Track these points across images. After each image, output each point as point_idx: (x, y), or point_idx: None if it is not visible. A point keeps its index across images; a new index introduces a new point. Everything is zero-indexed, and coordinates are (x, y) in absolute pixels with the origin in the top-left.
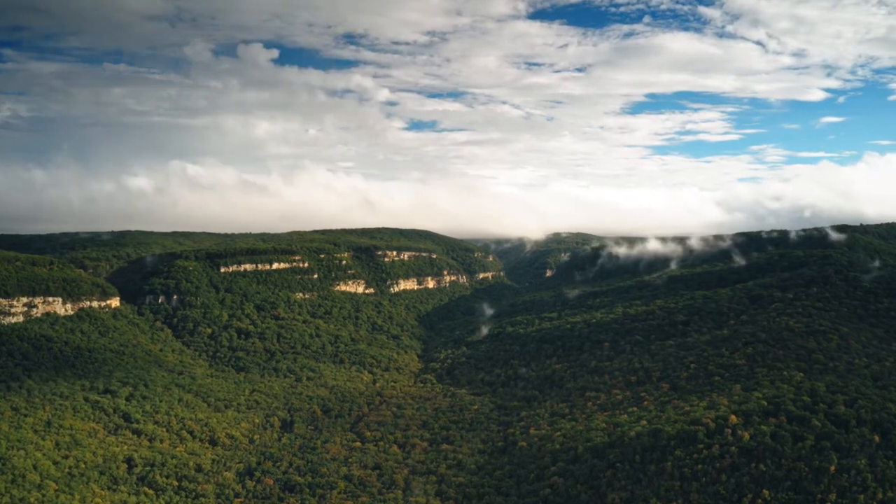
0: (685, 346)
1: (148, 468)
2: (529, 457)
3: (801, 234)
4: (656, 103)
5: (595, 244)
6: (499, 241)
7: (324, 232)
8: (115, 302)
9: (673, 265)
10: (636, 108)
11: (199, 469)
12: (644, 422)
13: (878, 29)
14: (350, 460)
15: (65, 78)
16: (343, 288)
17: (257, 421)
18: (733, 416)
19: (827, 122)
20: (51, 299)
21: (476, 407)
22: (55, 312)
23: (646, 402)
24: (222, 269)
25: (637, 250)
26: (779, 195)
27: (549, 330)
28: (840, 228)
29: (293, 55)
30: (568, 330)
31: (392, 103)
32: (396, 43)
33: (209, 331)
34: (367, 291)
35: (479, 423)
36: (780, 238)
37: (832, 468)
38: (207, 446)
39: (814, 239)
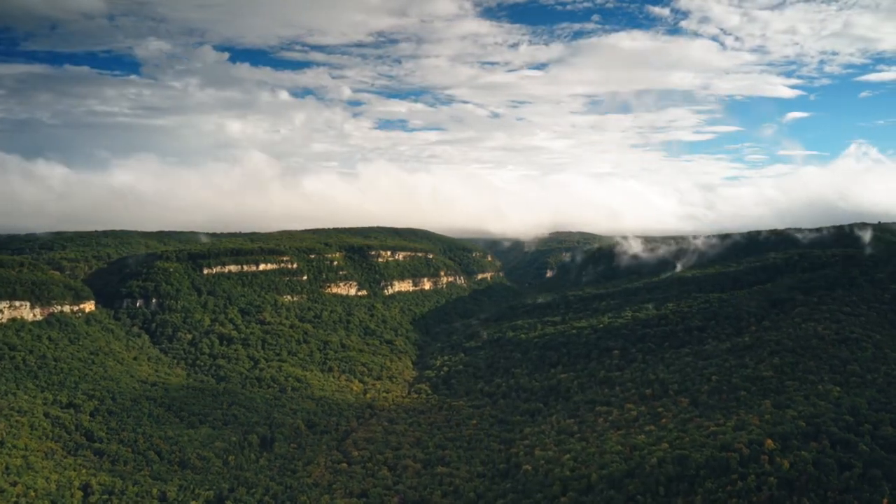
0: (703, 355)
1: (106, 496)
2: (535, 484)
3: (818, 232)
4: (621, 102)
5: (597, 243)
6: (497, 241)
7: (315, 231)
8: (89, 306)
9: (682, 266)
10: (603, 107)
11: (163, 498)
12: (665, 444)
13: (833, 24)
14: (334, 486)
15: (25, 80)
16: (334, 290)
17: (234, 439)
18: (769, 441)
19: (799, 120)
20: (18, 303)
21: (475, 422)
22: (22, 318)
23: (664, 420)
24: (205, 271)
25: (642, 250)
26: (757, 194)
27: (553, 335)
28: (861, 227)
29: (243, 56)
30: (573, 336)
31: (356, 103)
32: (344, 44)
33: (189, 337)
34: (359, 293)
35: (478, 441)
36: (795, 237)
37: (885, 501)
38: (176, 469)
39: (833, 237)
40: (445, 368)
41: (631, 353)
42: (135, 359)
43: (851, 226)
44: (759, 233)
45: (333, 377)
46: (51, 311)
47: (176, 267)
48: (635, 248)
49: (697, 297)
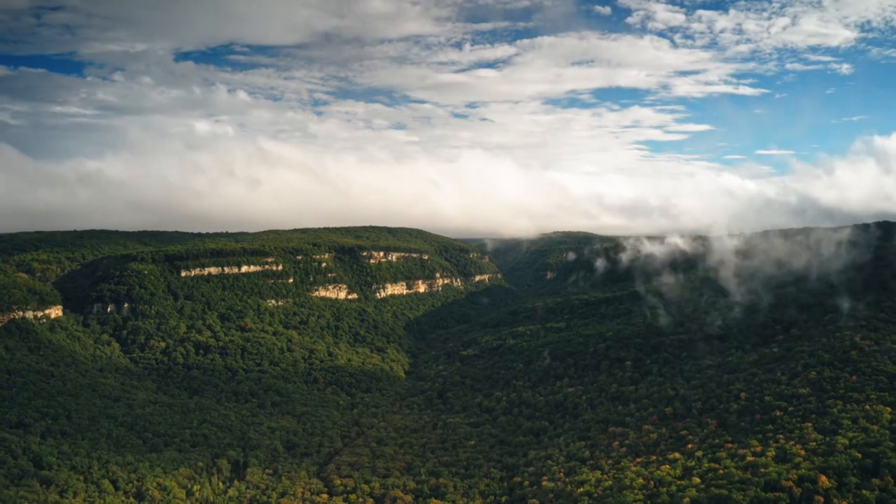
0: (728, 368)
1: None
2: None
3: (834, 232)
4: (581, 101)
5: (600, 244)
6: (494, 241)
7: (304, 231)
8: (55, 311)
9: (693, 267)
10: (564, 106)
11: None
12: (696, 479)
13: (781, 21)
14: None
15: None
16: (322, 293)
17: (201, 464)
18: (823, 477)
19: (771, 119)
20: None
21: (473, 442)
22: None
23: (690, 446)
24: (183, 273)
25: (649, 251)
26: (737, 194)
27: (558, 343)
28: (882, 226)
29: (186, 56)
30: (580, 344)
31: (315, 103)
32: (287, 45)
33: (162, 345)
34: (349, 297)
35: (476, 467)
36: (811, 236)
37: None
38: (131, 501)
39: (852, 237)
40: (441, 379)
41: (645, 364)
42: (100, 370)
43: (870, 224)
44: (775, 231)
45: (318, 390)
46: (11, 316)
47: (151, 269)
48: (641, 248)
49: (715, 302)
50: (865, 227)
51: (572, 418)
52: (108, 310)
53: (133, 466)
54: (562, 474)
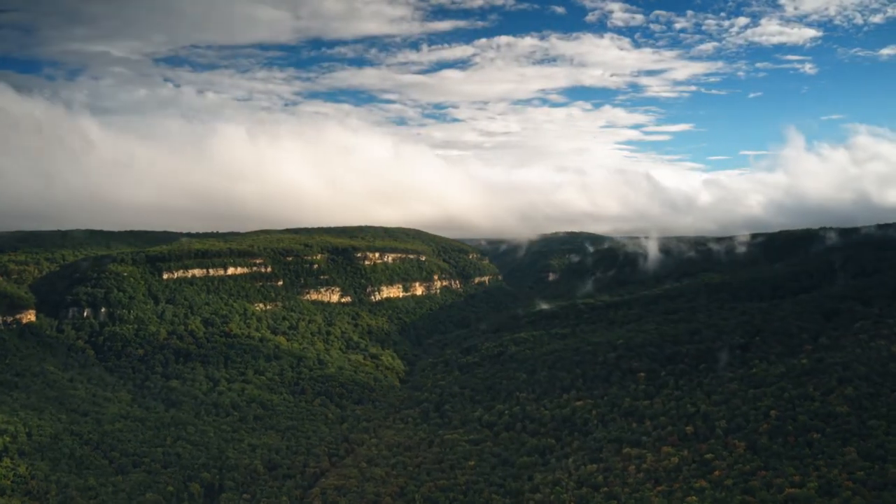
0: (753, 382)
1: None
2: None
3: (855, 233)
4: (551, 100)
5: (604, 244)
6: (493, 241)
7: (296, 231)
8: (28, 316)
9: (705, 269)
10: (534, 106)
11: None
12: None
13: (740, 21)
14: None
15: None
16: (314, 296)
17: (171, 488)
18: None
19: (748, 118)
20: None
21: (472, 463)
22: None
23: (717, 472)
24: (165, 276)
25: (657, 252)
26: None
27: (563, 352)
28: None
29: (149, 58)
30: (588, 353)
31: (288, 103)
32: (244, 45)
33: (140, 352)
34: (343, 300)
35: (476, 492)
36: (832, 236)
37: None
38: None
39: (876, 237)
40: (438, 390)
41: (660, 376)
42: (70, 381)
43: (893, 224)
44: (792, 232)
45: (306, 401)
46: None
47: (131, 271)
48: (649, 249)
49: (733, 308)
50: (887, 227)
51: (582, 436)
52: (85, 314)
53: (95, 491)
54: (573, 503)
